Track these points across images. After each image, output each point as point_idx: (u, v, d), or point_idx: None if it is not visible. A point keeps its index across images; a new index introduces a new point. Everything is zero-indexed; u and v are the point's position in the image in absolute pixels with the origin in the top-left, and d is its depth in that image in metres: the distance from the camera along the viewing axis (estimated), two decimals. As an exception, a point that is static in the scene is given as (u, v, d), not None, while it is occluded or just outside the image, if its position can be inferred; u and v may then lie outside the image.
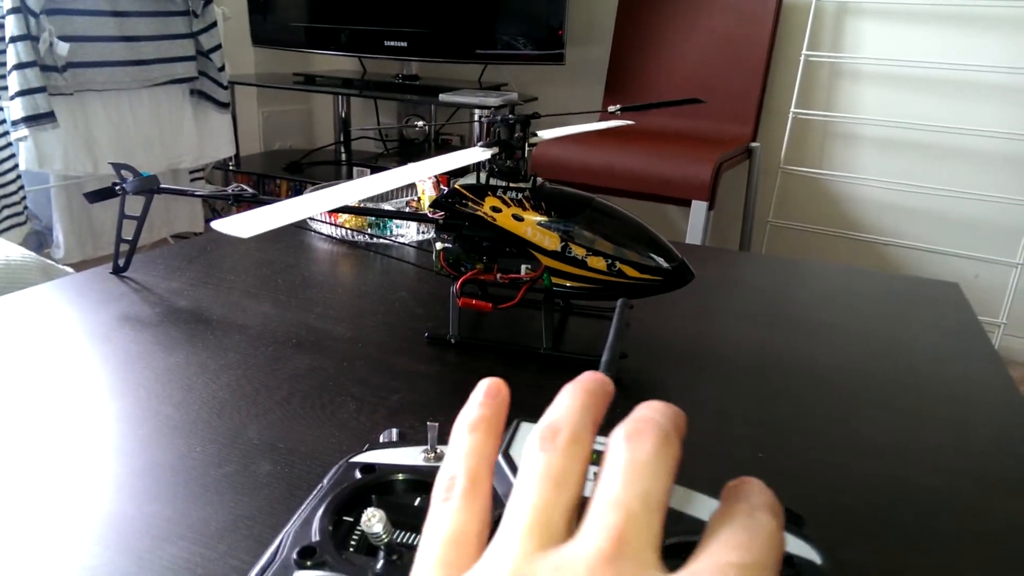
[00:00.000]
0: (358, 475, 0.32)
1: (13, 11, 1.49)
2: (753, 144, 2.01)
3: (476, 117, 2.14)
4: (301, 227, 0.98)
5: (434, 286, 0.80)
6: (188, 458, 0.47)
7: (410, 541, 0.29)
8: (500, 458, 0.32)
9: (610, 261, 0.61)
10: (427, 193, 1.07)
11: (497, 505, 0.30)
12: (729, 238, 2.24)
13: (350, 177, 2.45)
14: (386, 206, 1.06)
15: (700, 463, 0.51)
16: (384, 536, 0.27)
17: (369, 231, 0.96)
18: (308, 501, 0.30)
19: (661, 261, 0.61)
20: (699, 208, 1.70)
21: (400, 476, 0.31)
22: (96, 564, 0.38)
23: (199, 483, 0.45)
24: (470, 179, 0.66)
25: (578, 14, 2.29)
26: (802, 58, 2.02)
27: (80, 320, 0.68)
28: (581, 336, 0.70)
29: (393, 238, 0.96)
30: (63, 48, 1.56)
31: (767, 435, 0.54)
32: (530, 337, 0.67)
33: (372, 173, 1.00)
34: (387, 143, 2.85)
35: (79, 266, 1.62)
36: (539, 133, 0.69)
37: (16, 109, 1.56)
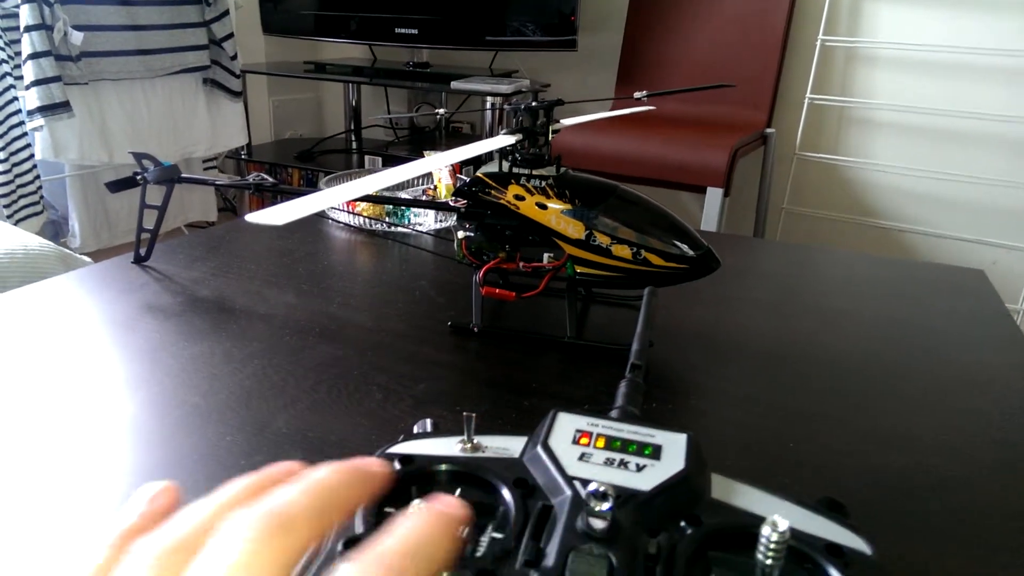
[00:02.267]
0: (397, 466, 0.32)
1: (27, 0, 1.49)
2: (768, 130, 1.99)
3: (488, 104, 2.13)
4: (320, 216, 0.98)
5: (454, 274, 0.80)
6: (217, 447, 0.47)
7: None
8: (539, 449, 0.31)
9: (635, 249, 0.61)
10: (444, 182, 1.06)
11: (540, 497, 0.30)
12: (743, 225, 2.23)
13: (361, 166, 2.44)
14: (403, 195, 1.06)
15: (733, 453, 0.51)
16: None
17: (387, 220, 0.96)
18: None
19: (687, 249, 0.61)
20: (714, 195, 1.69)
21: (439, 467, 0.31)
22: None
23: (229, 473, 0.44)
24: (492, 167, 0.66)
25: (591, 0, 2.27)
26: (818, 43, 2.00)
27: (103, 309, 0.68)
28: (603, 325, 0.70)
29: (411, 226, 0.96)
30: (77, 37, 1.56)
31: (794, 425, 0.54)
32: (552, 326, 0.67)
33: (383, 162, 1.00)
34: (397, 131, 2.85)
35: (95, 255, 1.63)
36: (561, 120, 0.69)
37: (32, 99, 1.56)
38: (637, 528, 0.27)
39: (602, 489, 0.27)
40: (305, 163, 2.39)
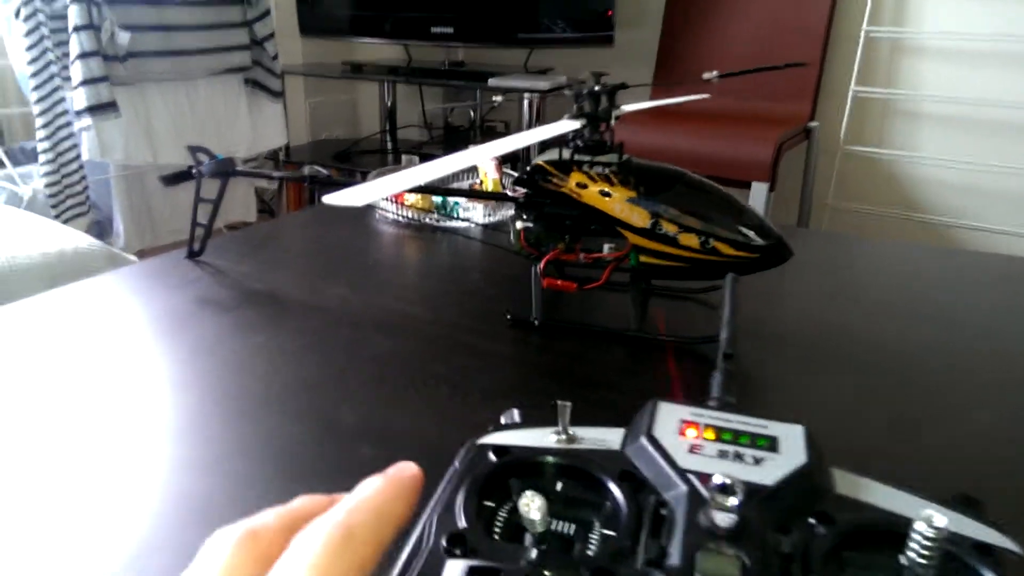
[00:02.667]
0: (492, 457, 0.30)
1: (77, 0, 1.50)
2: (812, 123, 1.94)
3: (525, 101, 2.11)
4: (368, 209, 0.97)
5: (508, 267, 0.78)
6: (281, 439, 0.46)
7: (562, 529, 0.27)
8: (644, 440, 0.30)
9: (703, 238, 0.58)
10: (489, 176, 1.05)
11: (650, 492, 0.28)
12: (787, 220, 2.18)
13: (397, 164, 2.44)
14: (453, 186, 1.05)
15: (836, 451, 0.48)
16: (540, 524, 0.25)
17: (436, 214, 0.94)
18: (442, 485, 0.29)
19: (758, 237, 0.59)
20: (759, 190, 1.66)
21: (542, 459, 0.29)
22: (192, 550, 0.37)
23: (296, 465, 0.43)
24: (551, 154, 0.64)
25: (628, -7, 2.24)
26: (862, 34, 1.95)
27: (159, 303, 0.67)
28: (665, 318, 0.68)
29: (460, 220, 0.94)
30: (124, 38, 1.58)
31: (894, 423, 0.51)
32: (610, 318, 0.65)
33: (420, 160, 0.99)
34: (432, 131, 2.84)
35: (139, 255, 1.64)
36: (621, 107, 0.67)
37: (80, 99, 1.57)
38: (765, 525, 0.25)
39: (728, 483, 0.25)
40: (342, 163, 2.40)
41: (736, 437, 0.29)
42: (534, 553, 0.25)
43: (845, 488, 0.27)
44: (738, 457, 0.28)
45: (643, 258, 0.61)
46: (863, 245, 0.92)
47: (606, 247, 0.66)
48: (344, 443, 0.46)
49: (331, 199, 0.37)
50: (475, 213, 0.96)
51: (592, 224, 0.63)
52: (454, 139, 2.71)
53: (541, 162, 0.63)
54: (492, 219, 0.96)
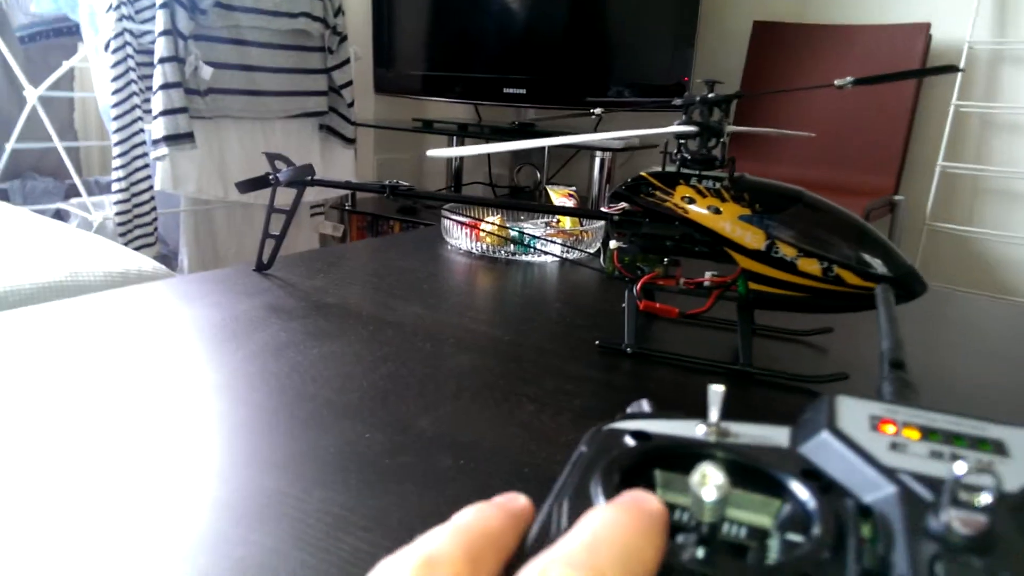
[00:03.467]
0: (630, 442, 0.24)
1: (164, 33, 1.55)
2: (897, 197, 1.87)
3: (597, 161, 2.09)
4: (441, 239, 0.93)
5: (592, 298, 0.73)
6: (356, 444, 0.40)
7: (730, 532, 0.21)
8: (828, 434, 0.23)
9: (826, 265, 0.52)
10: (567, 219, 1.00)
11: (839, 494, 0.21)
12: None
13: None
14: (526, 226, 1.01)
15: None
16: (711, 512, 0.19)
17: (511, 248, 0.90)
18: (567, 470, 0.23)
19: (886, 268, 0.52)
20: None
21: (696, 450, 0.23)
22: (270, 546, 0.31)
23: (372, 471, 0.38)
24: (655, 168, 0.59)
25: (704, 59, 2.23)
26: (951, 108, 1.89)
27: (227, 308, 0.63)
28: (765, 355, 0.60)
29: (536, 254, 0.90)
30: (207, 72, 1.61)
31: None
32: (706, 351, 0.58)
33: (489, 214, 0.97)
34: (496, 190, 2.85)
35: (202, 288, 1.63)
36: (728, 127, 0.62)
37: (158, 128, 1.60)
38: (1022, 538, 0.18)
39: (974, 479, 0.18)
40: (406, 215, 2.40)
41: (949, 438, 0.23)
42: (701, 551, 0.19)
43: None
44: (957, 459, 0.22)
45: (753, 285, 0.55)
46: (961, 302, 0.84)
47: (707, 274, 0.60)
48: (422, 452, 0.40)
49: (433, 153, 0.33)
50: (553, 247, 0.92)
51: (696, 246, 0.57)
52: (519, 199, 2.70)
53: (645, 173, 0.58)
54: (570, 255, 0.91)
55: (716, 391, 0.25)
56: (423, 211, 2.46)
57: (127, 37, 1.56)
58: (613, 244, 0.61)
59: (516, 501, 0.22)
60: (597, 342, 0.59)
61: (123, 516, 0.33)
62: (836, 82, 0.51)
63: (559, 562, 0.17)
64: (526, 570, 0.17)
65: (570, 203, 1.06)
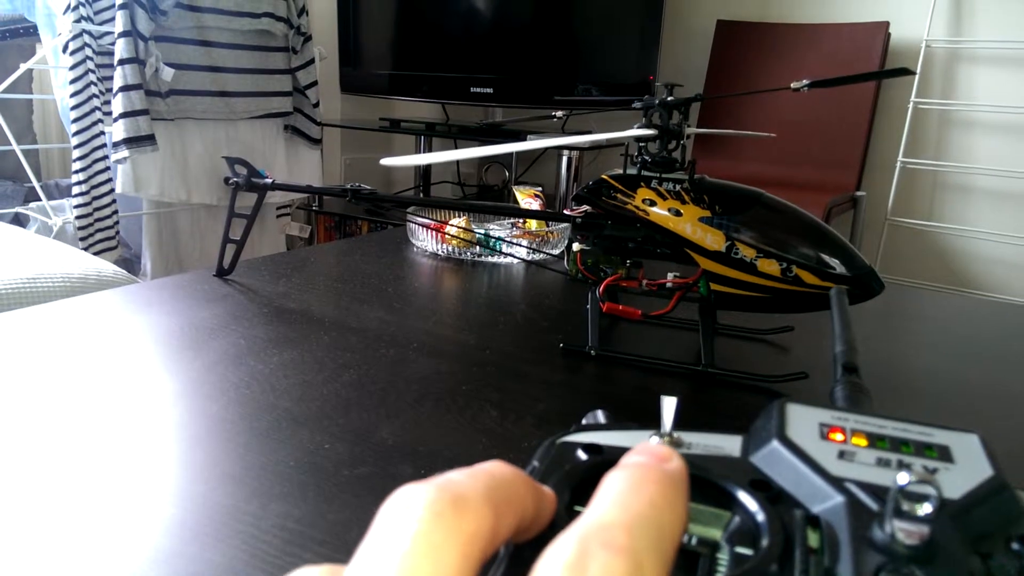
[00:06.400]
0: (582, 455, 0.24)
1: (124, 35, 1.52)
2: (858, 193, 1.90)
3: (564, 160, 2.09)
4: (407, 241, 0.93)
5: (557, 299, 0.73)
6: (315, 455, 0.40)
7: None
8: (778, 443, 0.23)
9: (785, 265, 0.53)
10: (533, 208, 1.00)
11: (789, 504, 0.22)
12: (826, 292, 2.12)
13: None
14: (492, 226, 1.00)
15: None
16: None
17: (477, 249, 0.90)
18: None
19: (845, 268, 0.53)
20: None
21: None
22: (224, 564, 0.30)
23: (331, 483, 0.37)
24: (616, 170, 0.59)
25: (669, 59, 2.25)
26: (910, 105, 1.92)
27: (186, 315, 0.62)
28: (727, 355, 0.61)
29: (503, 256, 0.90)
30: (168, 73, 1.58)
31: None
32: (670, 353, 0.59)
33: (455, 216, 0.97)
34: (465, 188, 2.84)
35: (166, 292, 1.60)
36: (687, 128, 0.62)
37: (119, 130, 1.57)
38: (963, 546, 0.19)
39: (917, 487, 0.19)
40: (374, 216, 2.38)
41: (896, 445, 0.23)
42: None
43: None
44: (903, 467, 0.22)
45: (714, 286, 0.55)
46: (920, 298, 0.86)
47: (670, 275, 0.60)
48: (382, 462, 0.40)
49: (387, 161, 0.32)
50: (518, 250, 0.92)
51: (657, 248, 0.58)
52: (488, 198, 2.70)
53: (606, 176, 0.58)
54: (536, 257, 0.91)
55: (669, 402, 0.25)
56: (391, 211, 2.44)
57: (86, 38, 1.53)
58: (576, 246, 0.61)
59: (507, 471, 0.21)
60: (561, 344, 0.59)
61: (74, 532, 0.32)
62: (792, 85, 0.52)
63: (599, 544, 0.16)
64: (561, 543, 0.16)
65: (536, 204, 1.06)
